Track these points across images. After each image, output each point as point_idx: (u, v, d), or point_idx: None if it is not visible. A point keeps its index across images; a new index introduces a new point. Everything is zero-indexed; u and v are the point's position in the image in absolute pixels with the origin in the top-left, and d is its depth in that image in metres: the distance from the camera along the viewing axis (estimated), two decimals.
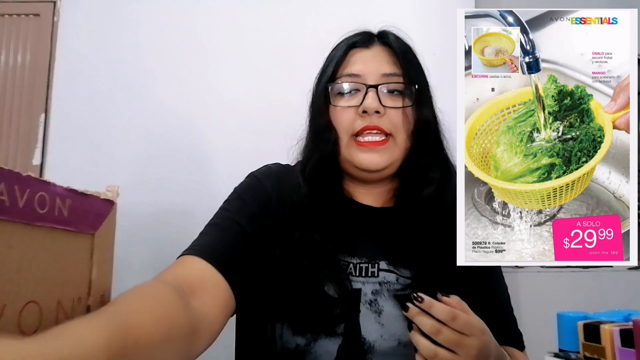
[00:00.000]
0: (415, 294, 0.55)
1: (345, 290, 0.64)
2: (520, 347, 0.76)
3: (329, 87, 0.72)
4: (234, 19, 1.58)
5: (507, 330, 0.72)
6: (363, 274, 0.67)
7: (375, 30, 0.78)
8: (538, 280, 1.76)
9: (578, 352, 0.56)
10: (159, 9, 1.59)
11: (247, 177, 0.78)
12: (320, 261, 0.65)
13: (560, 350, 0.59)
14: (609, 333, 0.52)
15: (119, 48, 1.57)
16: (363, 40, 0.75)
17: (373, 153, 0.68)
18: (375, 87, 0.68)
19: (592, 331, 0.54)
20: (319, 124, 0.73)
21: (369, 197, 0.75)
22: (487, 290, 0.70)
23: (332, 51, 0.77)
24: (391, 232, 0.69)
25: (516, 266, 1.81)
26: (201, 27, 1.58)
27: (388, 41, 0.74)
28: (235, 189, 0.76)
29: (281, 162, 0.82)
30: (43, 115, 1.57)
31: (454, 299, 0.55)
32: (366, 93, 0.68)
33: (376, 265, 0.68)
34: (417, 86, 0.71)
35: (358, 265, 0.67)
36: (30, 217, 0.46)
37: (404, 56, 0.72)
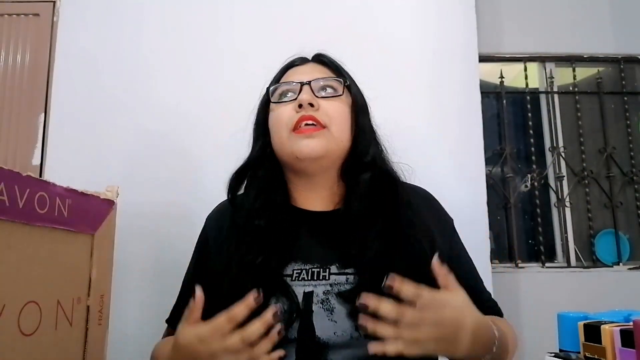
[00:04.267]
0: (359, 304, 0.56)
1: (292, 301, 0.68)
2: (500, 314, 0.79)
3: (270, 92, 0.80)
4: (234, 19, 1.58)
5: (481, 301, 0.71)
6: (315, 278, 0.71)
7: (309, 56, 0.86)
8: (538, 280, 1.76)
9: (578, 352, 0.56)
10: (159, 9, 1.59)
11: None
12: (263, 281, 0.68)
13: (561, 350, 0.59)
14: (610, 333, 0.52)
15: (118, 48, 1.56)
16: (301, 61, 0.84)
17: (310, 139, 0.73)
18: (309, 83, 0.76)
19: (593, 331, 0.54)
20: (259, 131, 0.84)
21: (318, 202, 0.79)
22: (453, 271, 0.68)
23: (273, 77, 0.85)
24: (340, 235, 0.73)
25: (516, 266, 1.81)
26: (201, 27, 1.57)
27: (323, 59, 0.83)
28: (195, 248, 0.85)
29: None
30: (42, 115, 1.56)
31: (393, 281, 0.56)
32: (300, 90, 0.75)
33: (327, 269, 0.72)
34: (347, 82, 0.78)
35: (310, 270, 0.72)
36: (29, 217, 0.46)
37: (337, 69, 0.81)
